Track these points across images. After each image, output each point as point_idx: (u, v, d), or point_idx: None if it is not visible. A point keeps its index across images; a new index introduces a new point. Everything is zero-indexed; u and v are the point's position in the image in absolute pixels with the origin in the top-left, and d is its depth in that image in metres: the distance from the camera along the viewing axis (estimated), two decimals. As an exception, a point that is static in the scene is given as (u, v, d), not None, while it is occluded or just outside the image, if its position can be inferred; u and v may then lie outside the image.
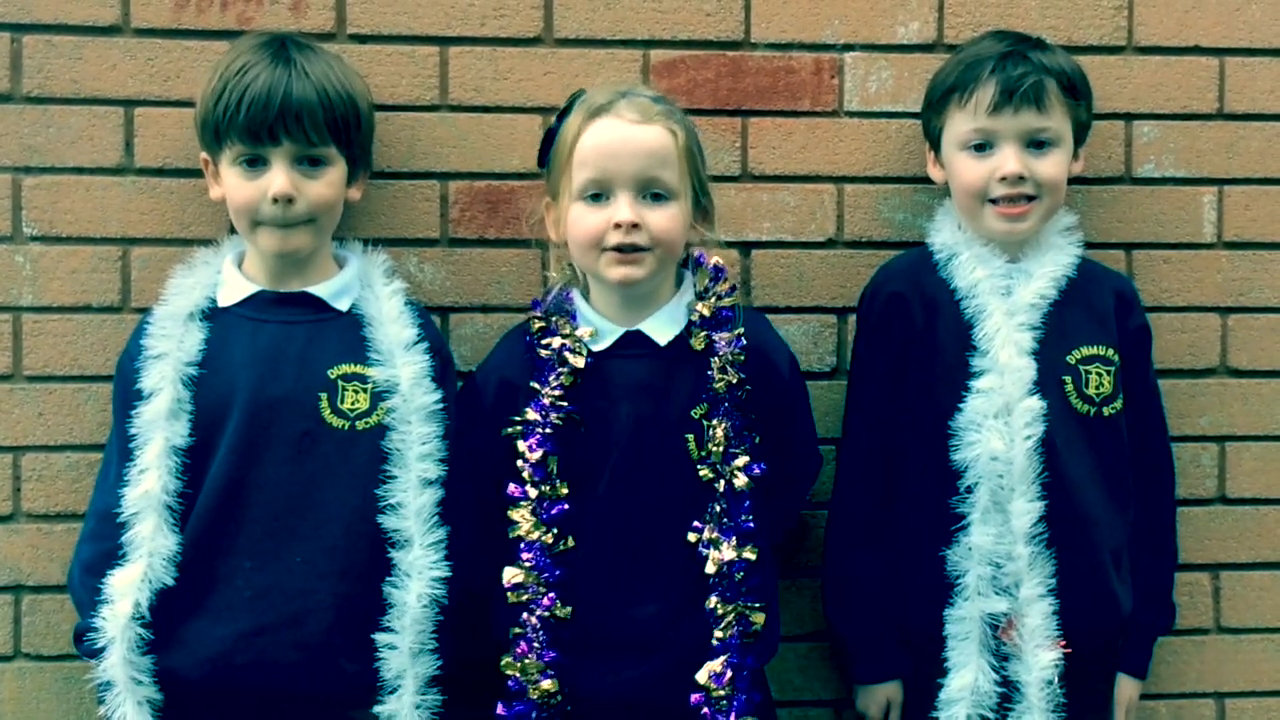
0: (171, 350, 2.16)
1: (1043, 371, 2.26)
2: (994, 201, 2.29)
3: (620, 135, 2.13)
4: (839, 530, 2.36)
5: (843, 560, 2.35)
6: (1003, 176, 2.27)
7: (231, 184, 2.18)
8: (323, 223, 2.21)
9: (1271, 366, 2.59)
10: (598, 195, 2.14)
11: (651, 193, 2.14)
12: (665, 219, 2.13)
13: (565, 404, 2.17)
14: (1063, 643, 2.23)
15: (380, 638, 2.12)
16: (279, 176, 2.15)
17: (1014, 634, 2.22)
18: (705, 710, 2.12)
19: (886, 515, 2.32)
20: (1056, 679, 2.21)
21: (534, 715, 2.14)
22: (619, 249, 2.12)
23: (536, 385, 2.18)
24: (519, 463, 2.16)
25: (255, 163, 2.16)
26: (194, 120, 2.24)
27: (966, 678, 2.21)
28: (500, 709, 2.15)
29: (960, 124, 2.31)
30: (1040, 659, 2.21)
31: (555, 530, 2.16)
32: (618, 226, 2.11)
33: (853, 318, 2.48)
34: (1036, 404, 2.23)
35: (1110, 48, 2.54)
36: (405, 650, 2.12)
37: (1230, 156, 2.57)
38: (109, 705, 2.10)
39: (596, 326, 2.20)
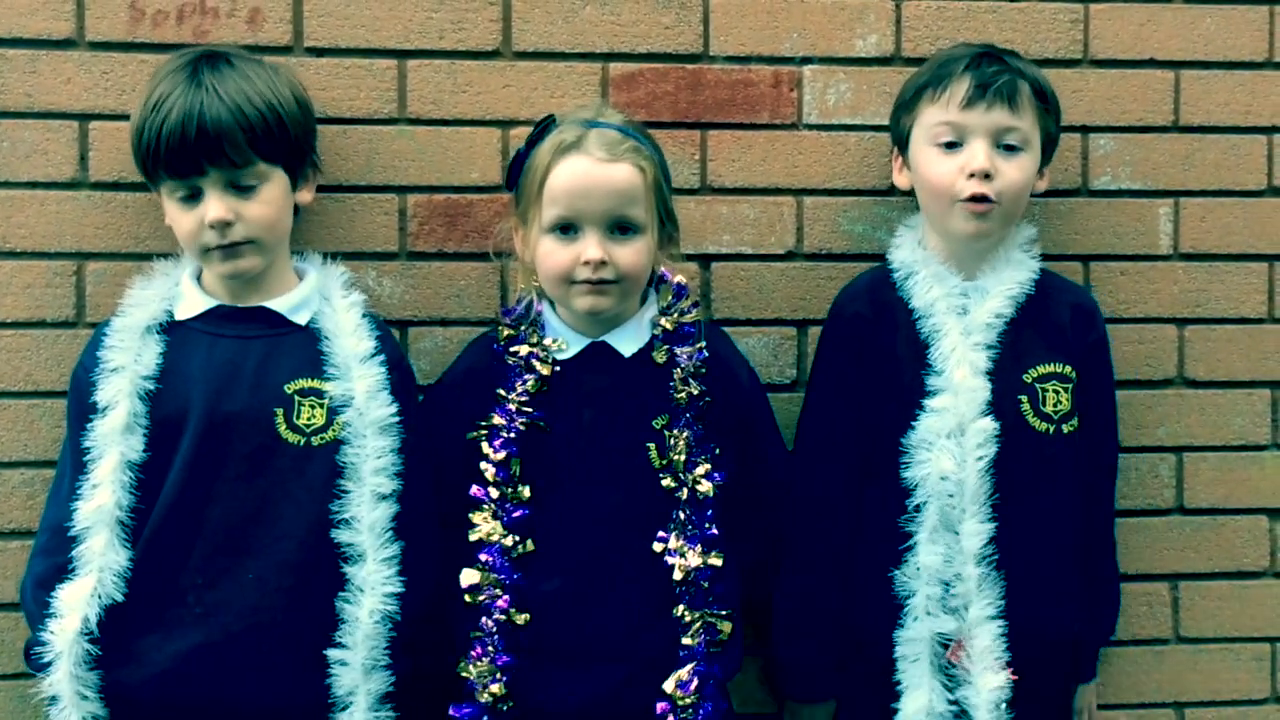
0: (128, 364, 2.14)
1: (998, 391, 2.25)
2: (960, 200, 2.27)
3: (590, 175, 2.16)
4: (793, 552, 2.32)
5: (795, 582, 2.32)
6: (971, 172, 2.25)
7: (174, 216, 2.19)
8: (267, 242, 2.19)
9: (1228, 377, 2.60)
10: (567, 229, 2.17)
11: (619, 227, 2.17)
12: (632, 254, 2.17)
13: (530, 410, 2.19)
14: (1011, 671, 2.21)
15: (332, 654, 2.11)
16: (213, 204, 2.14)
17: (962, 655, 2.21)
18: (671, 718, 2.14)
19: (848, 537, 2.30)
20: (1006, 702, 2.19)
21: (484, 718, 2.16)
22: (588, 282, 2.15)
23: (503, 392, 2.21)
24: (482, 464, 2.19)
25: (192, 194, 2.16)
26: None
27: (920, 699, 2.20)
28: (451, 710, 2.17)
29: (931, 118, 2.29)
30: (989, 681, 2.19)
31: (515, 534, 2.17)
32: (586, 263, 2.14)
33: (813, 330, 2.49)
34: (989, 424, 2.23)
35: (1066, 60, 2.55)
36: (358, 666, 2.11)
37: (1186, 169, 2.59)
38: None
39: (563, 337, 2.23)
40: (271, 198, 2.18)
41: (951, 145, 2.28)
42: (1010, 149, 2.28)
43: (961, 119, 2.27)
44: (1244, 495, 2.61)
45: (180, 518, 2.11)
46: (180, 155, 2.12)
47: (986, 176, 2.25)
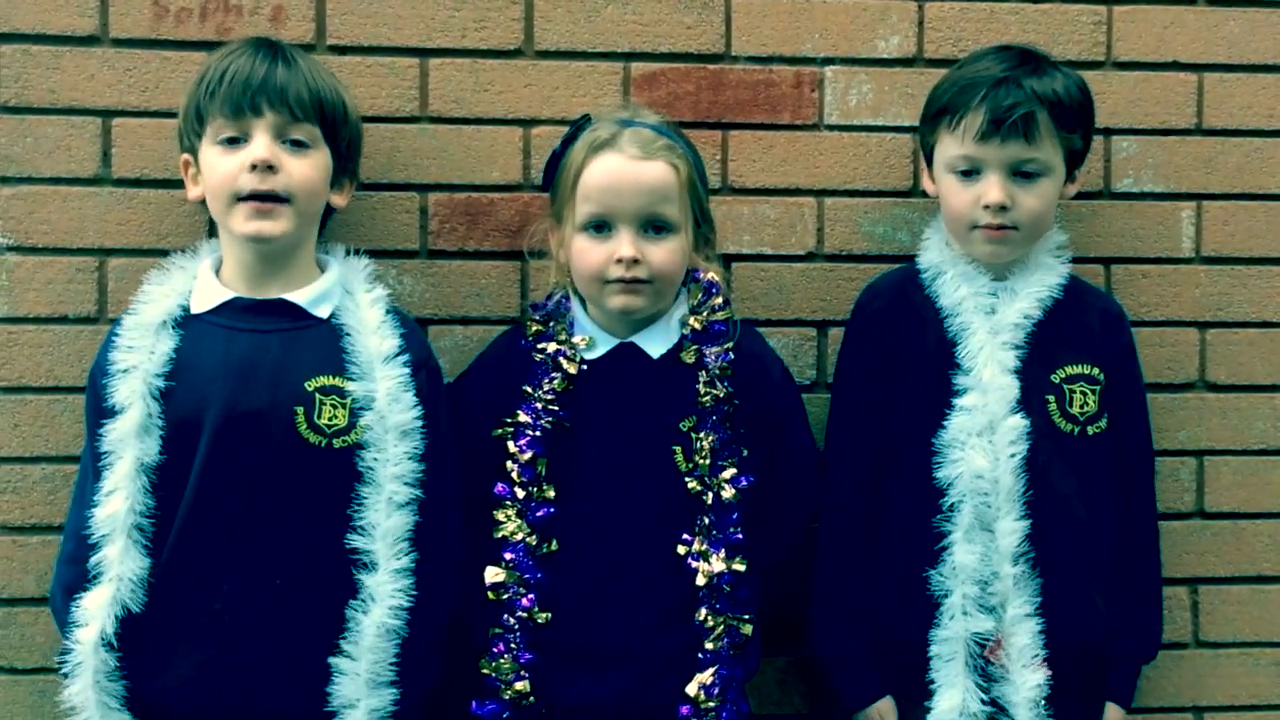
0: (141, 363, 2.09)
1: (1026, 390, 2.25)
2: (978, 226, 2.28)
3: (623, 172, 2.16)
4: (826, 552, 2.34)
5: (831, 583, 2.32)
6: (985, 205, 2.26)
7: (211, 162, 2.13)
8: (300, 207, 2.13)
9: (1249, 381, 2.60)
10: (600, 228, 2.17)
11: (653, 226, 2.17)
12: (665, 253, 2.17)
13: (557, 408, 2.19)
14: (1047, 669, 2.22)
15: (335, 661, 2.07)
16: (260, 143, 2.11)
17: (1001, 654, 2.21)
18: None
19: (874, 534, 2.31)
20: (1043, 700, 2.19)
21: (506, 715, 2.15)
22: (621, 280, 2.15)
23: (529, 389, 2.20)
24: (508, 463, 2.19)
25: (237, 141, 2.13)
26: (178, 121, 2.21)
27: (954, 698, 2.19)
28: (474, 706, 2.16)
29: (949, 148, 2.29)
30: (1028, 679, 2.20)
31: (539, 533, 2.17)
32: (619, 262, 2.15)
33: (833, 331, 2.49)
34: (1020, 422, 2.23)
35: (1089, 63, 2.54)
36: (361, 676, 2.06)
37: (1208, 171, 2.58)
38: None
39: (592, 336, 2.23)
40: (317, 165, 2.15)
41: (968, 173, 2.28)
42: (1028, 176, 2.27)
43: (977, 152, 2.26)
44: (1265, 500, 2.60)
45: (202, 522, 2.06)
46: (242, 91, 2.10)
47: (1002, 208, 2.25)
